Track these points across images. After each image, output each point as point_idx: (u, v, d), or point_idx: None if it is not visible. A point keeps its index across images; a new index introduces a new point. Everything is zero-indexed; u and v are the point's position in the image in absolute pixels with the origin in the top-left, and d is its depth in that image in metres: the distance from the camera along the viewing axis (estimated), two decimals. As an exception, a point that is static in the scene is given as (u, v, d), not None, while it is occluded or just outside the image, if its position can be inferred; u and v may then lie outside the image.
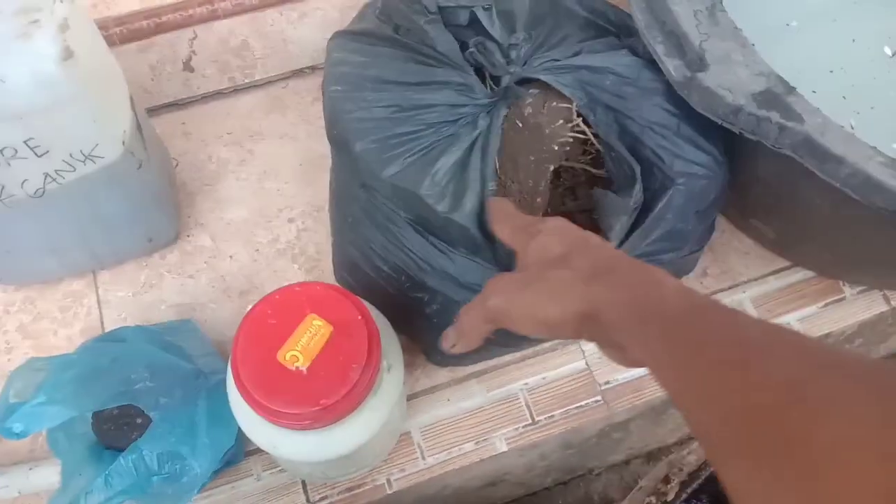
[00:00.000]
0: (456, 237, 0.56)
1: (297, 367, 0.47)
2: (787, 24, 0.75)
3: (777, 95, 0.54)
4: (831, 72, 0.73)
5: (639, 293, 0.35)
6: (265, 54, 0.82)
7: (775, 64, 0.74)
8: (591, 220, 0.61)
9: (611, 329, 0.36)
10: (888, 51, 0.74)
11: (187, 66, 0.80)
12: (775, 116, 0.53)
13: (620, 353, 0.39)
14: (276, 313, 0.49)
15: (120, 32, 0.75)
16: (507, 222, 0.48)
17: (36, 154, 0.54)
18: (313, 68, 0.83)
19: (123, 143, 0.60)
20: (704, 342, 0.31)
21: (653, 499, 0.44)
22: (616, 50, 0.58)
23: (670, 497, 0.43)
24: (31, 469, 0.63)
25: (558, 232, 0.42)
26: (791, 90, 0.54)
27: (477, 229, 0.54)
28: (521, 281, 0.41)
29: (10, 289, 0.73)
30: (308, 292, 0.50)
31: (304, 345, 0.48)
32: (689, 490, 0.43)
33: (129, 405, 0.57)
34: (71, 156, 0.56)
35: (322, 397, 0.47)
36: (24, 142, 0.53)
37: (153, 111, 0.80)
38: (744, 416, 0.27)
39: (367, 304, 0.58)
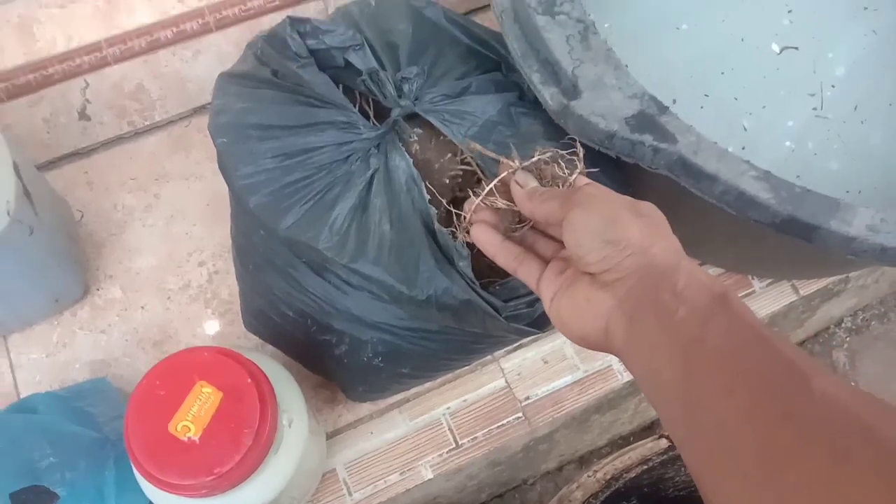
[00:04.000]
0: (362, 283, 0.55)
1: (189, 438, 0.47)
2: (678, 28, 0.76)
3: (650, 117, 0.54)
4: (723, 73, 0.74)
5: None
6: (163, 95, 0.80)
7: (668, 69, 0.75)
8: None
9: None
10: (776, 47, 0.76)
11: (83, 116, 0.78)
12: (648, 139, 0.53)
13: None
14: (165, 384, 0.49)
15: (6, 88, 0.73)
16: (532, 199, 0.44)
17: None
18: (214, 105, 0.81)
19: (9, 213, 0.58)
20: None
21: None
22: (501, 93, 0.58)
23: (555, 540, 0.44)
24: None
25: (592, 226, 0.40)
26: (664, 110, 0.55)
27: (387, 275, 0.53)
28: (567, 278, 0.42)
29: (-83, 362, 0.72)
30: (195, 359, 0.49)
31: (194, 414, 0.48)
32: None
33: (39, 478, 0.57)
34: (-51, 234, 0.55)
35: (216, 466, 0.47)
36: None
37: (52, 164, 0.79)
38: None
39: (265, 356, 0.58)
